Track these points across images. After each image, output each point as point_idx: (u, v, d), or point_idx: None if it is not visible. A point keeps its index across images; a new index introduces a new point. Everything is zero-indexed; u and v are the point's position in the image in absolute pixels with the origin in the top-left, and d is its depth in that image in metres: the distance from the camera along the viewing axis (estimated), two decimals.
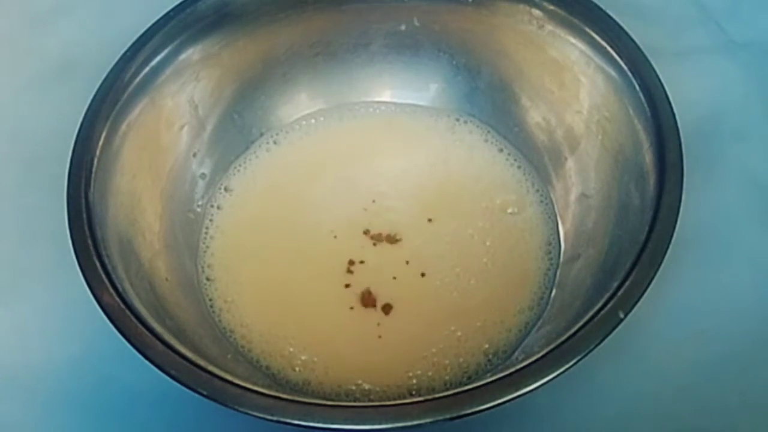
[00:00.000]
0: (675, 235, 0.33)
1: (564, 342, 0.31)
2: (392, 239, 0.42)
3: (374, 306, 0.39)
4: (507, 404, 0.29)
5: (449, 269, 0.40)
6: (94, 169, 0.36)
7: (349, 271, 0.41)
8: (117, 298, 0.32)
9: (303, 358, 0.38)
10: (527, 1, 0.41)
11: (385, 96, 0.47)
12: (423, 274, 0.40)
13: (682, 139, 0.35)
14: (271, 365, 0.38)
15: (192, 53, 0.42)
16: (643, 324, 0.38)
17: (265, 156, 0.45)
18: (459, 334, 0.38)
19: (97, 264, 0.33)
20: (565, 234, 0.41)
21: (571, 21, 0.40)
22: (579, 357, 0.30)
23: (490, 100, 0.45)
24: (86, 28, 0.53)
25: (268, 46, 0.44)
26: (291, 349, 0.38)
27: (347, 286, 0.40)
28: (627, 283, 0.32)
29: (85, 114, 0.38)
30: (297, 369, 0.38)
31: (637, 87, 0.37)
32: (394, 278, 0.40)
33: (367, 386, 0.37)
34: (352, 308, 0.40)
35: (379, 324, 0.39)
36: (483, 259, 0.41)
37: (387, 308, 0.39)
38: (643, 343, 0.39)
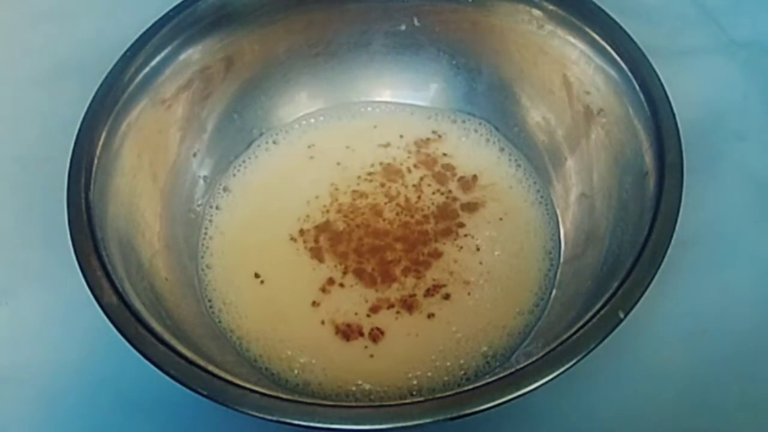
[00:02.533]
0: (675, 235, 0.33)
1: (564, 342, 0.31)
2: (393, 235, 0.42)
3: (362, 335, 0.39)
4: (507, 404, 0.29)
5: (450, 271, 0.40)
6: (94, 169, 0.36)
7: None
8: (117, 298, 0.32)
9: (301, 360, 0.38)
10: (527, 1, 0.41)
11: (385, 96, 0.47)
12: (424, 276, 0.40)
13: (682, 139, 0.35)
14: (270, 367, 0.38)
15: (192, 53, 0.42)
16: (643, 324, 0.38)
17: (265, 156, 0.45)
18: (459, 335, 0.38)
19: (97, 264, 0.33)
20: (565, 234, 0.41)
21: (571, 21, 0.40)
22: (579, 357, 0.30)
23: (490, 100, 0.45)
24: (86, 29, 0.53)
25: (268, 46, 0.44)
26: (289, 352, 0.38)
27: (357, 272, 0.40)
28: (627, 283, 0.32)
29: (85, 114, 0.38)
30: (296, 371, 0.38)
31: (637, 87, 0.37)
32: (395, 280, 0.40)
33: (367, 387, 0.37)
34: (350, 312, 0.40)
35: (378, 327, 0.39)
36: (484, 261, 0.41)
37: (374, 334, 0.39)
38: (643, 343, 0.39)
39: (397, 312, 0.39)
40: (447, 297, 0.39)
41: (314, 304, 0.40)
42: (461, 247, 0.41)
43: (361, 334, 0.39)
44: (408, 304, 0.39)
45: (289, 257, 0.41)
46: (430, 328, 0.39)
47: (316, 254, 0.41)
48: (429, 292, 0.40)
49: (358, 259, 0.41)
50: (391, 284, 0.40)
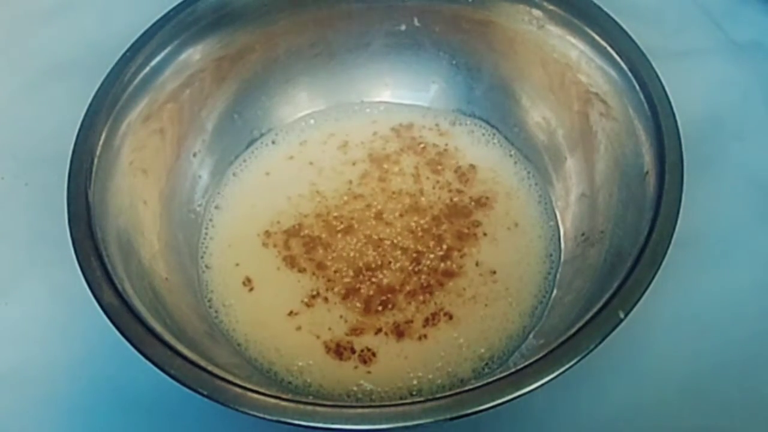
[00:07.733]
0: (675, 235, 0.33)
1: (564, 342, 0.31)
2: (393, 242, 0.42)
3: (353, 351, 0.38)
4: (507, 404, 0.29)
5: (459, 291, 0.40)
6: (94, 169, 0.36)
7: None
8: (117, 298, 0.32)
9: (300, 363, 0.38)
10: (527, 1, 0.41)
11: (385, 96, 0.47)
12: (424, 277, 0.40)
13: (682, 139, 0.35)
14: (269, 368, 0.38)
15: (192, 53, 0.42)
16: (643, 324, 0.38)
17: (265, 156, 0.45)
18: (461, 340, 0.38)
19: (97, 264, 0.33)
20: (565, 234, 0.41)
21: (571, 21, 0.40)
22: (579, 357, 0.30)
23: (490, 100, 0.45)
24: (86, 28, 0.53)
25: (268, 46, 0.44)
26: (287, 355, 0.38)
27: (349, 290, 0.40)
28: (627, 283, 0.32)
29: (85, 114, 0.38)
30: (294, 374, 0.38)
31: (637, 87, 0.37)
32: (395, 283, 0.40)
33: (368, 386, 0.37)
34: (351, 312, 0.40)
35: (377, 332, 0.39)
36: (485, 262, 0.41)
37: (365, 356, 0.38)
38: (643, 344, 0.39)
39: (386, 334, 0.39)
40: (450, 318, 0.39)
41: (296, 315, 0.39)
42: (462, 245, 0.41)
43: (353, 351, 0.38)
44: (400, 331, 0.39)
45: (291, 255, 0.41)
46: (421, 349, 0.38)
47: (298, 263, 0.41)
48: (428, 322, 0.39)
49: (352, 274, 0.40)
50: (385, 311, 0.39)
